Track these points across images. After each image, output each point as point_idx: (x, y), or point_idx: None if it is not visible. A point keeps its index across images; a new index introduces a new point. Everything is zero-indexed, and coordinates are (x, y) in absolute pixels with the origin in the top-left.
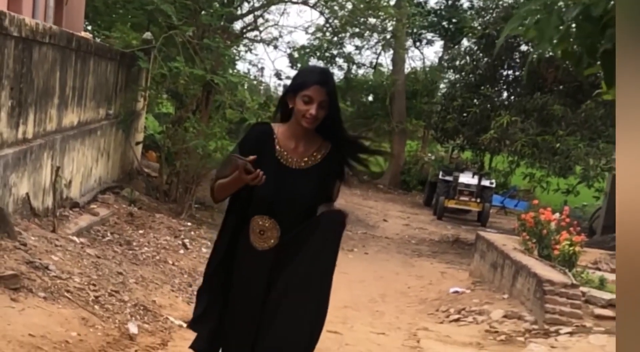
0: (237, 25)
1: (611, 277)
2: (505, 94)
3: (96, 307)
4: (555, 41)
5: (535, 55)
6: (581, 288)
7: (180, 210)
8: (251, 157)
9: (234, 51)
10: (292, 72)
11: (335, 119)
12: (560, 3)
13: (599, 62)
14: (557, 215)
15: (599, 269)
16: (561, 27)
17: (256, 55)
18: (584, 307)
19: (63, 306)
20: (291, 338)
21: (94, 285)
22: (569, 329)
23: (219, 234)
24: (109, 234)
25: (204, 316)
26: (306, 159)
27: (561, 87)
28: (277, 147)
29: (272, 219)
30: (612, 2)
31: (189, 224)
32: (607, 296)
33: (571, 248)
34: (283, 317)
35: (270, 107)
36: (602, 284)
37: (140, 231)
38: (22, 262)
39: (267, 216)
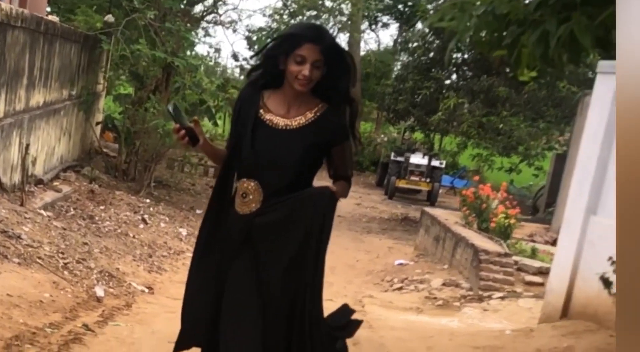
0: (197, 8)
1: (543, 247)
2: (454, 76)
3: (65, 272)
4: (470, 33)
5: (453, 45)
6: (514, 257)
7: (139, 188)
8: (194, 118)
9: (194, 34)
10: (250, 53)
11: (336, 79)
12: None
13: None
14: (500, 194)
15: (534, 241)
16: (472, 22)
17: (214, 37)
18: (516, 275)
19: (35, 271)
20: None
21: (62, 253)
22: (500, 294)
23: (208, 203)
24: (72, 209)
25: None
26: (296, 119)
27: (507, 69)
28: (264, 109)
29: (255, 181)
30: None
31: (148, 200)
32: (538, 264)
33: (506, 220)
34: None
35: (227, 88)
36: (533, 254)
37: (102, 207)
38: None
39: (251, 178)
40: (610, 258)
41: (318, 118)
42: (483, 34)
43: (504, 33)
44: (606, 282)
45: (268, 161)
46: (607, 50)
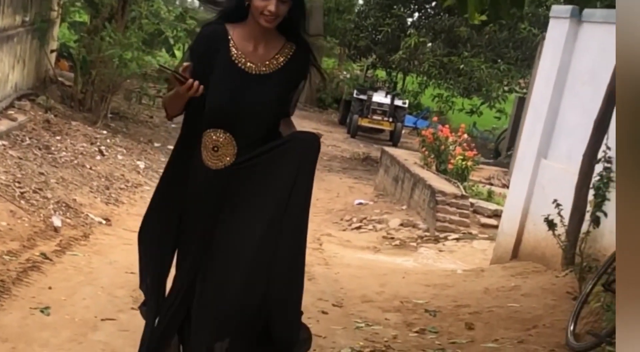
0: None
1: (499, 190)
2: (416, 15)
3: (22, 202)
4: None
5: None
6: (470, 199)
7: (96, 119)
8: (185, 64)
9: None
10: None
11: (299, 16)
12: None
13: None
14: (465, 136)
15: (491, 184)
16: None
17: None
18: (472, 217)
19: None
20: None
21: (19, 182)
22: (456, 236)
23: (171, 156)
24: (27, 139)
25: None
26: (267, 62)
27: None
28: (233, 49)
29: (227, 133)
30: None
31: (105, 132)
32: (493, 206)
33: (464, 163)
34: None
35: (186, 18)
36: (490, 197)
37: (58, 137)
38: None
39: (221, 129)
40: (555, 201)
41: (289, 61)
42: None
43: None
44: (550, 224)
45: (242, 110)
46: None
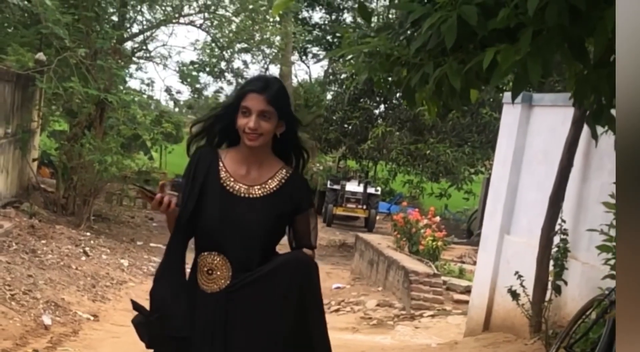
0: (128, 45)
1: (471, 267)
2: (382, 107)
3: (13, 303)
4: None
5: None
6: (443, 277)
7: (79, 222)
8: (161, 182)
9: (126, 71)
10: (183, 87)
11: (290, 135)
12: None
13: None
14: (437, 218)
15: (463, 262)
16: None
17: (146, 72)
18: (445, 294)
19: None
20: None
21: (9, 285)
22: (431, 313)
23: (159, 279)
24: (14, 244)
25: None
26: (259, 186)
27: None
28: (222, 173)
29: (221, 255)
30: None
31: (88, 234)
32: (465, 283)
33: (434, 243)
34: None
35: (162, 122)
36: (461, 274)
37: (43, 241)
38: None
39: (215, 252)
40: (517, 273)
41: (282, 186)
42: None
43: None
44: (514, 295)
45: (231, 233)
46: (493, 85)
